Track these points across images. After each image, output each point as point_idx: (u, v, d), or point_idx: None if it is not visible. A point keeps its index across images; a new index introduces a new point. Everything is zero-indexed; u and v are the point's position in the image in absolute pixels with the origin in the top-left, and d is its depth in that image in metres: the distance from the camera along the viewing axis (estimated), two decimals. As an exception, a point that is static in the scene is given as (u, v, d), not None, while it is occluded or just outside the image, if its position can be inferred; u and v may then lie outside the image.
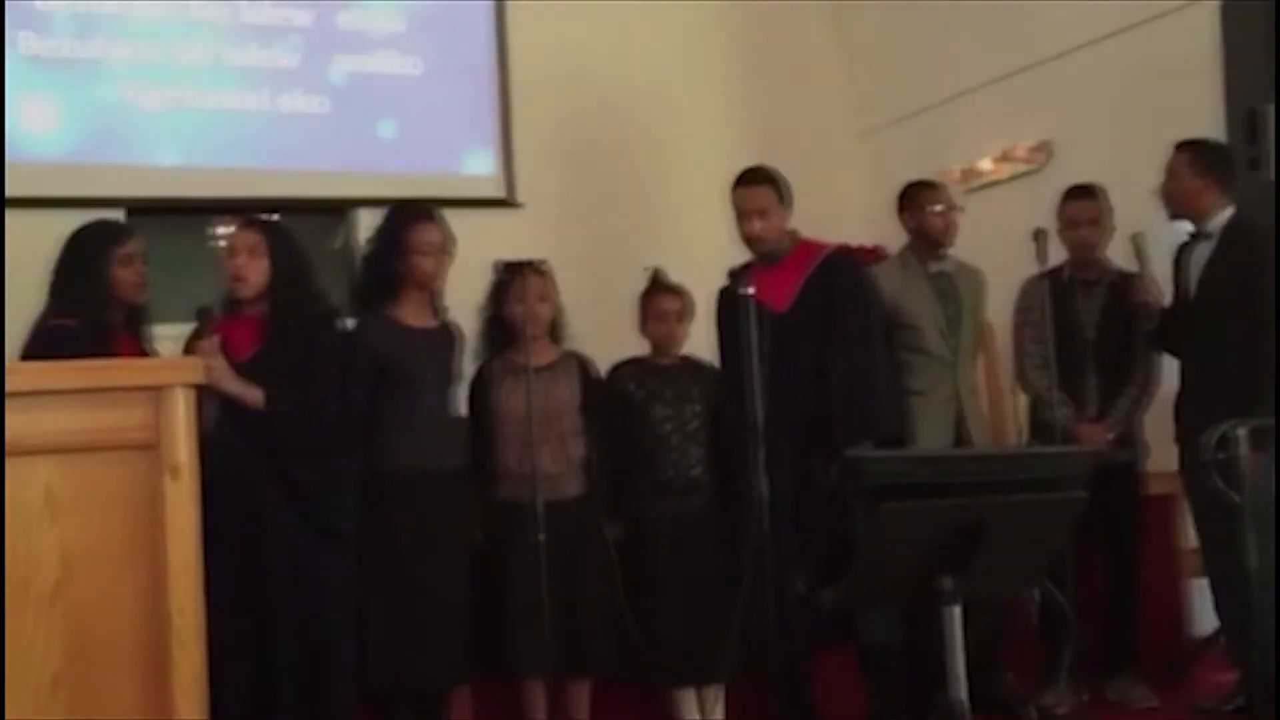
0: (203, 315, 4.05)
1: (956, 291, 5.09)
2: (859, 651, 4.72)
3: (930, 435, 4.89)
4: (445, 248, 4.51)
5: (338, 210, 6.83)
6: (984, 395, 5.79)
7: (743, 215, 4.71)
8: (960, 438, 4.96)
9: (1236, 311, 4.53)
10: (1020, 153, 6.87)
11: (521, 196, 7.13)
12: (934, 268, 5.08)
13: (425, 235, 4.47)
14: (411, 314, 4.49)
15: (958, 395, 4.99)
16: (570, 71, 7.20)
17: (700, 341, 5.00)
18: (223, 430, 3.95)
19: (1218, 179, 4.70)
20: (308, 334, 4.15)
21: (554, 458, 4.57)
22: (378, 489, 4.29)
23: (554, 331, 4.71)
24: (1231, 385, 4.46)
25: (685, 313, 4.93)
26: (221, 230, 6.38)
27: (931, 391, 4.97)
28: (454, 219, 4.68)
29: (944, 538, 2.95)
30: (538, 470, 4.42)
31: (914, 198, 5.12)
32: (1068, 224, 5.10)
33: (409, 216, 4.53)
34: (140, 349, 4.29)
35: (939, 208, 5.05)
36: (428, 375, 4.44)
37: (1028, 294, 5.17)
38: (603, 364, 4.87)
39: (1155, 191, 4.79)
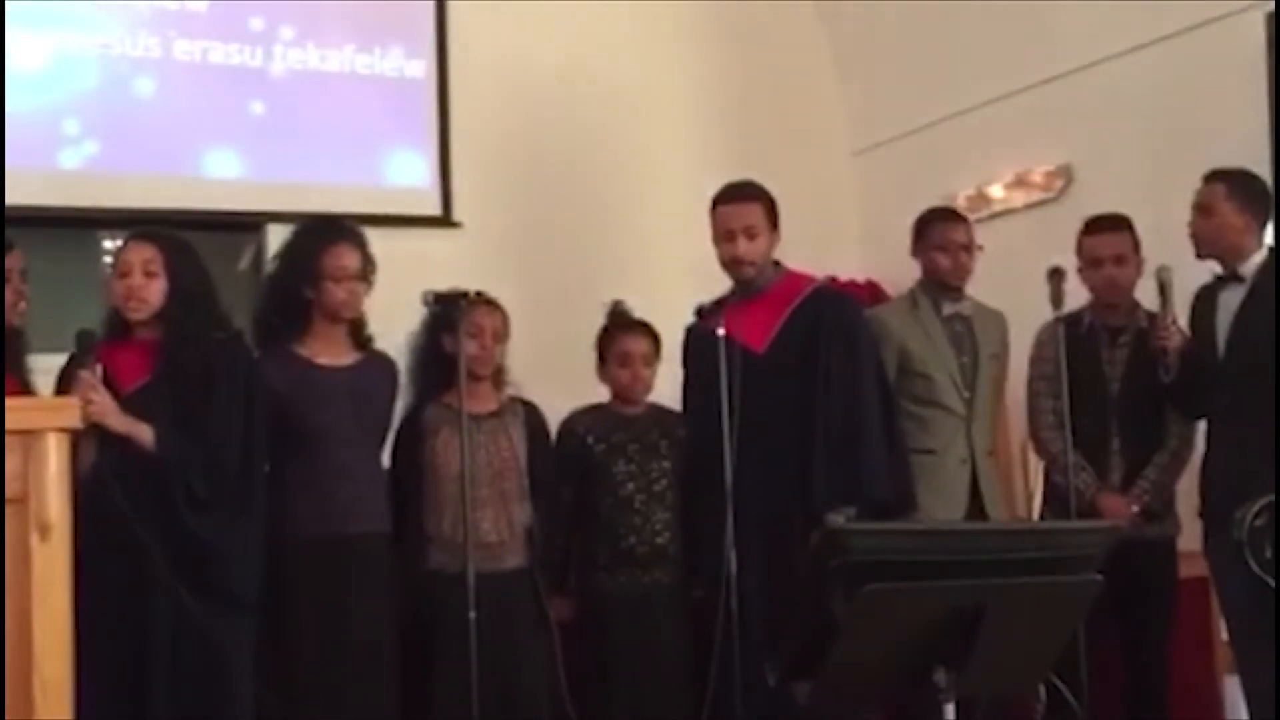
0: (82, 339, 3.99)
1: (974, 337, 5.14)
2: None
3: (941, 502, 4.93)
4: (364, 274, 4.49)
5: (245, 226, 6.82)
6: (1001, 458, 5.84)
7: (727, 235, 4.74)
8: (974, 506, 5.01)
9: (1272, 368, 4.56)
10: (1036, 177, 6.93)
11: (459, 214, 7.15)
12: (948, 309, 5.13)
13: (340, 259, 4.45)
14: (322, 349, 4.48)
15: (973, 457, 5.04)
16: (520, 70, 7.22)
17: (667, 389, 5.03)
18: (102, 474, 3.90)
19: (1257, 216, 4.75)
20: (208, 363, 4.12)
21: (494, 523, 4.58)
22: (276, 558, 4.24)
23: (496, 375, 4.73)
24: (1268, 454, 4.50)
25: (652, 355, 4.95)
26: (109, 245, 6.35)
27: (944, 451, 5.02)
28: (379, 239, 4.68)
29: (937, 624, 2.96)
30: (472, 536, 4.41)
31: (927, 228, 5.18)
32: (1089, 261, 5.12)
33: (322, 235, 4.51)
34: (14, 384, 4.26)
35: (953, 245, 5.10)
36: (336, 422, 4.41)
37: (1043, 343, 5.19)
38: (550, 414, 4.89)
39: (1187, 226, 4.83)
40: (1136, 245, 5.14)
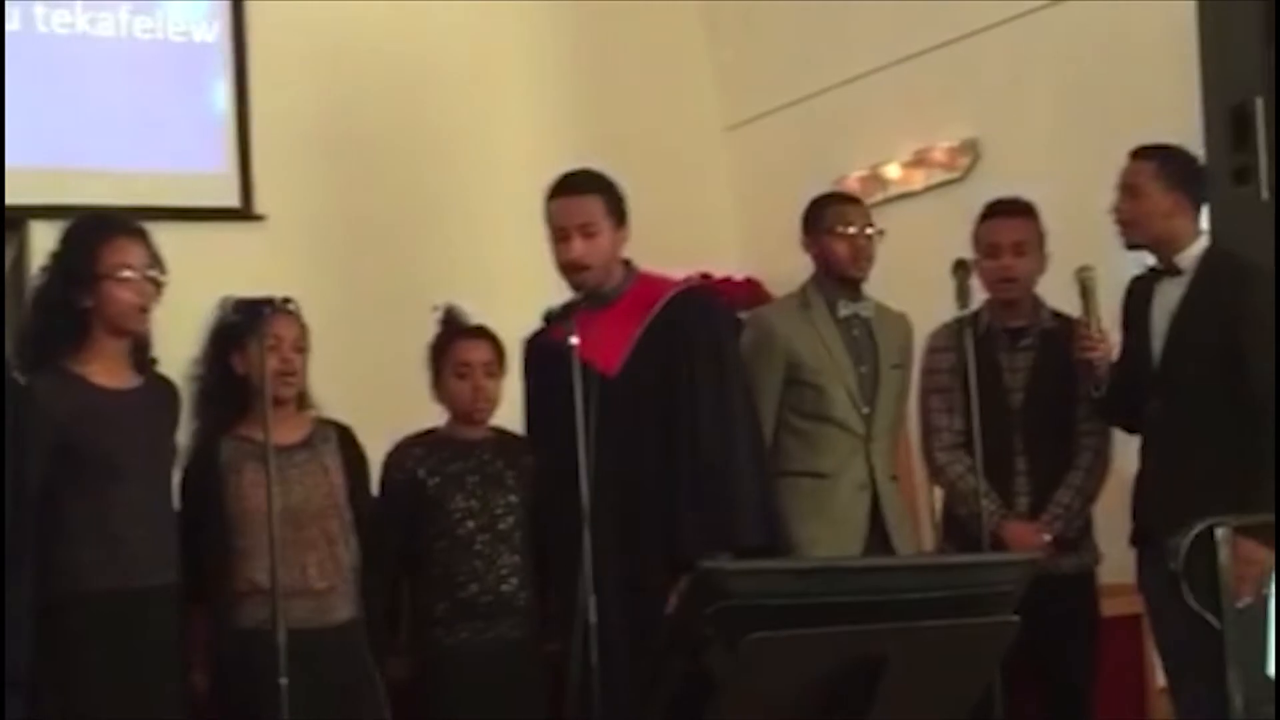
0: None
1: (874, 344, 5.22)
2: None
3: (834, 533, 4.98)
4: (151, 274, 4.45)
5: (3, 222, 6.72)
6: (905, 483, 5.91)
7: (561, 234, 4.75)
8: (875, 538, 5.07)
9: (1217, 373, 4.66)
10: (938, 155, 7.04)
11: (262, 205, 7.11)
12: (845, 310, 5.20)
13: (122, 255, 4.39)
14: (105, 369, 4.42)
15: (873, 481, 5.10)
16: (332, 35, 7.21)
17: (510, 411, 5.03)
18: None
19: (1191, 198, 4.85)
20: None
21: (321, 568, 4.57)
22: (57, 618, 4.19)
23: (301, 396, 4.71)
24: (1210, 471, 4.59)
25: (496, 365, 4.96)
26: None
27: (838, 475, 5.08)
28: (166, 235, 4.64)
29: (832, 677, 3.00)
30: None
31: (819, 213, 5.25)
32: (986, 250, 5.20)
33: (97, 231, 4.46)
34: None
35: (850, 229, 5.17)
36: (129, 456, 4.36)
37: (936, 349, 5.28)
38: (373, 443, 4.88)
39: (1110, 211, 4.93)
40: (1040, 236, 5.24)
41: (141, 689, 4.28)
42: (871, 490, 5.10)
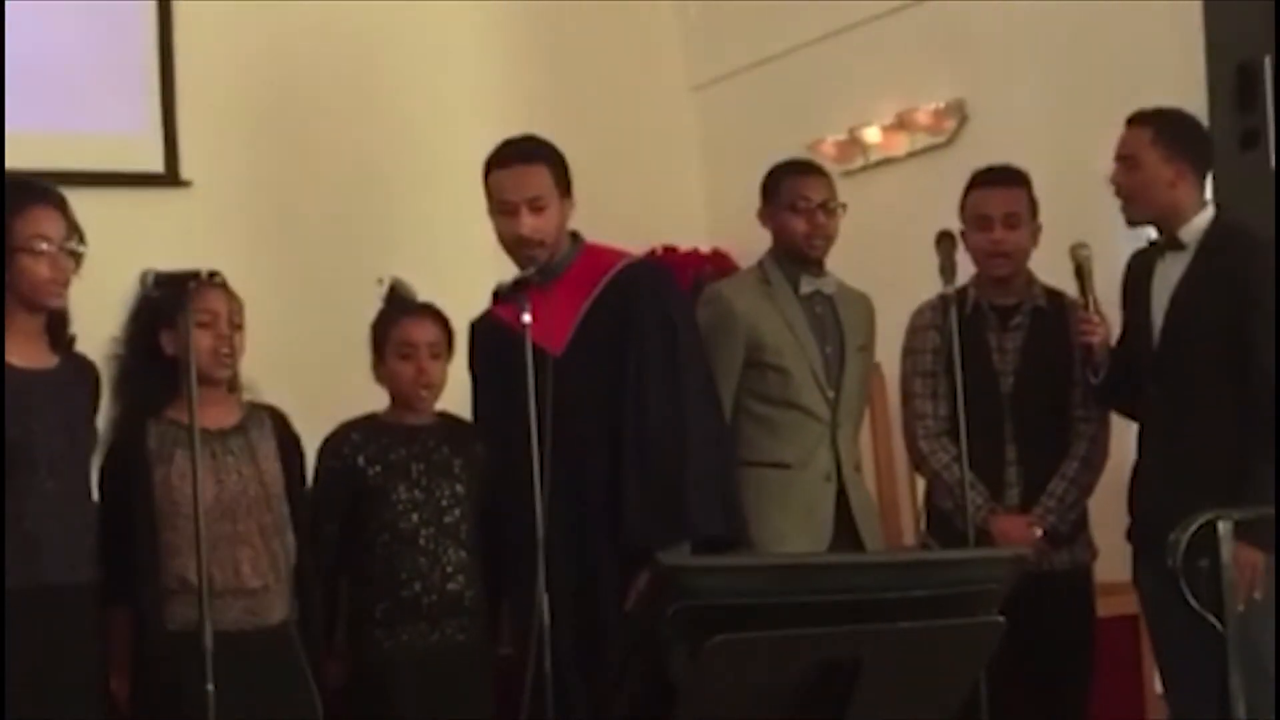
0: None
1: (839, 323, 5.22)
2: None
3: (799, 528, 4.99)
4: (69, 244, 4.42)
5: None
6: (869, 472, 5.91)
7: (507, 208, 4.76)
8: (843, 534, 5.08)
9: (1219, 356, 4.67)
10: (922, 117, 7.05)
11: (188, 171, 7.09)
12: (807, 286, 5.21)
13: (37, 225, 4.38)
14: (21, 348, 4.40)
15: (839, 471, 5.12)
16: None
17: (457, 397, 5.03)
18: None
19: (1194, 165, 4.84)
20: None
21: (255, 564, 4.55)
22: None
23: (231, 378, 4.68)
24: (1210, 461, 4.62)
25: (442, 345, 4.95)
26: None
27: (803, 465, 5.10)
28: (83, 202, 4.61)
29: (803, 683, 3.01)
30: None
31: (777, 185, 5.25)
32: (975, 222, 5.20)
33: (10, 199, 4.42)
34: None
35: (808, 204, 5.17)
36: (44, 444, 4.35)
37: (919, 327, 5.28)
38: (307, 431, 4.86)
39: (1107, 181, 4.92)
40: (1033, 207, 5.23)
41: (56, 693, 4.27)
42: (837, 481, 5.11)
